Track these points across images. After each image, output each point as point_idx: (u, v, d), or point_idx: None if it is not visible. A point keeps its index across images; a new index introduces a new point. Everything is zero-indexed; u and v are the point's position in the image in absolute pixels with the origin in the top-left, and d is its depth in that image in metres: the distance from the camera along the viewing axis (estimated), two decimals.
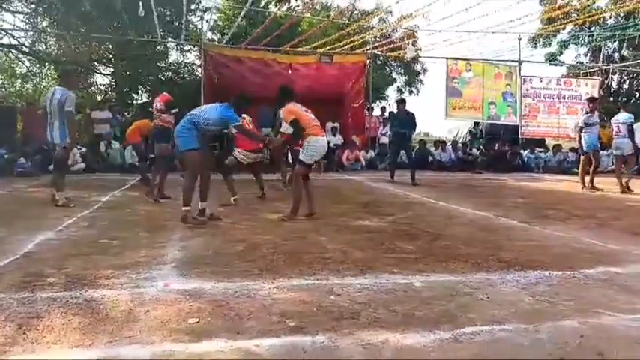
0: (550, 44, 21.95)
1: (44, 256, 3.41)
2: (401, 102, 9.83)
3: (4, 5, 13.64)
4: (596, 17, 16.44)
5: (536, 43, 21.37)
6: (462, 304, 2.52)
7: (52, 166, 10.25)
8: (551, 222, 5.16)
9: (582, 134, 8.60)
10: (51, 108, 5.71)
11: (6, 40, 14.70)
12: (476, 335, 2.13)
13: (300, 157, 5.04)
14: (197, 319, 2.26)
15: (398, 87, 24.38)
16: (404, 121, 9.41)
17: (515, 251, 3.73)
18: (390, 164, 10.07)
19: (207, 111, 4.87)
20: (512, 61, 15.15)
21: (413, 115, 9.56)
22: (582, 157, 8.87)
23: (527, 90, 14.70)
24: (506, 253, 3.67)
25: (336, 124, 13.83)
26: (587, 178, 8.62)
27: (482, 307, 2.50)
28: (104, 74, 18.60)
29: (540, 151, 14.24)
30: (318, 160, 5.49)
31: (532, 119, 14.74)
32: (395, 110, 9.70)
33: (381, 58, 19.99)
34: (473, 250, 3.76)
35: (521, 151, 13.88)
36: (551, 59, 21.07)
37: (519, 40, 15.04)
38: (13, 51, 15.70)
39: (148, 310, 2.38)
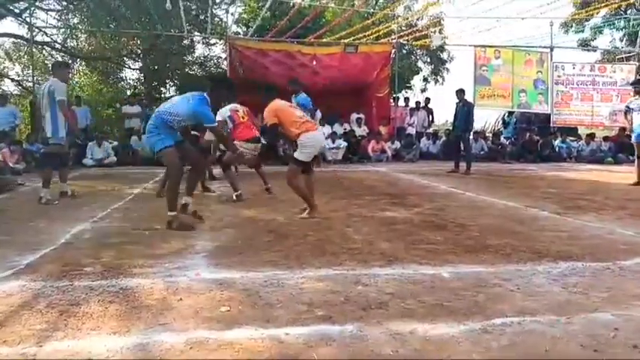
0: (583, 30, 21.23)
1: (80, 246, 3.54)
2: (461, 92, 9.77)
3: (37, 3, 14.02)
4: (632, 0, 15.79)
5: (568, 29, 20.70)
6: (492, 296, 2.50)
7: (85, 160, 10.70)
8: (584, 212, 5.03)
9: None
10: (43, 101, 5.52)
11: (39, 38, 15.14)
12: (506, 327, 2.11)
13: (296, 156, 4.67)
14: (228, 308, 2.32)
15: (424, 76, 23.99)
16: (464, 111, 9.54)
17: (546, 242, 3.66)
18: (466, 156, 9.74)
19: (177, 105, 4.29)
20: (544, 47, 14.73)
21: (470, 104, 9.88)
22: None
23: (559, 77, 14.27)
24: (537, 244, 3.60)
25: (361, 115, 13.77)
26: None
27: (512, 298, 2.47)
28: (133, 69, 19.03)
29: (573, 140, 13.83)
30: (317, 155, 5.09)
31: (564, 107, 14.33)
32: (456, 100, 9.77)
33: (407, 47, 19.72)
34: (502, 240, 3.70)
35: (553, 141, 13.52)
36: (585, 45, 20.38)
37: (551, 25, 14.60)
38: (47, 47, 16.18)
39: (181, 299, 2.45)
